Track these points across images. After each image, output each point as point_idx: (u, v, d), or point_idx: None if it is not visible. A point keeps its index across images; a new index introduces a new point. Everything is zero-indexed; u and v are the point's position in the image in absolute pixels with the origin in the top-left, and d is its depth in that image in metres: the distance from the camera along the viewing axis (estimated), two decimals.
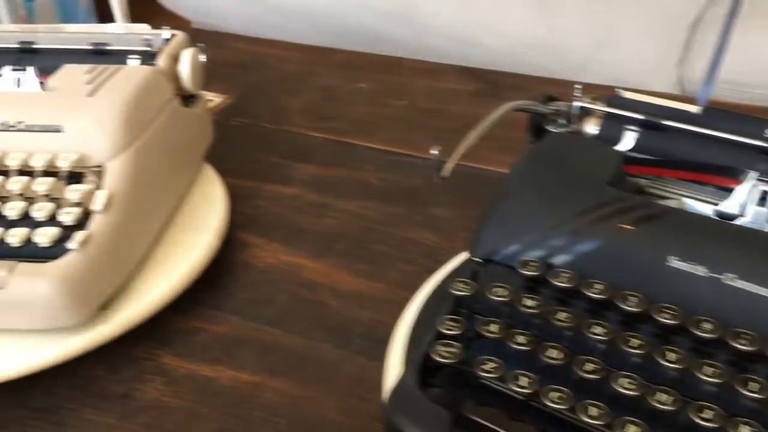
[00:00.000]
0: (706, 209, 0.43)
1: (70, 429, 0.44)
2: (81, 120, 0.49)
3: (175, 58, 0.58)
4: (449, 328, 0.38)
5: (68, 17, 1.96)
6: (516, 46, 1.00)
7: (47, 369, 0.46)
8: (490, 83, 0.80)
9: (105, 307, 0.47)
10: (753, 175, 0.41)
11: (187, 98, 0.60)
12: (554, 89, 0.77)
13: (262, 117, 0.75)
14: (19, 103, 0.50)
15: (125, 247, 0.49)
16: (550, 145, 0.46)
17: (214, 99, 0.77)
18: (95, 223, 0.47)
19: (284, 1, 1.11)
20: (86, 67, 0.55)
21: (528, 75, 0.81)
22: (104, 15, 2.15)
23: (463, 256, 0.54)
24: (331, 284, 0.54)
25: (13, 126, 0.49)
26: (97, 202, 0.47)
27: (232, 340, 0.50)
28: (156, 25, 0.62)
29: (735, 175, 0.42)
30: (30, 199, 0.48)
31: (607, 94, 0.51)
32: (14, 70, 0.58)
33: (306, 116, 0.75)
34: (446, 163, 0.45)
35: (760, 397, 0.32)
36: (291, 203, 0.63)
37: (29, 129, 0.49)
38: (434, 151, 0.45)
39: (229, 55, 0.87)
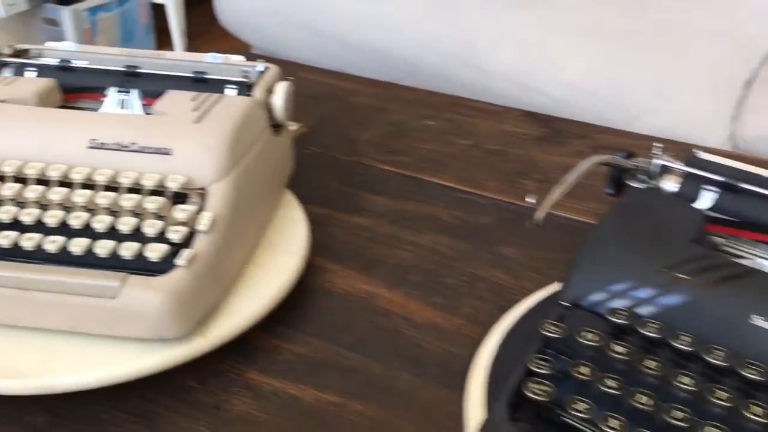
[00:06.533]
0: None
1: None
2: (190, 145, 0.53)
3: (269, 90, 0.61)
4: (539, 367, 0.41)
5: (128, 34, 2.03)
6: (574, 94, 1.03)
7: (145, 377, 0.49)
8: (553, 129, 0.83)
9: (201, 321, 0.51)
10: None
11: (276, 127, 0.63)
12: (617, 140, 0.80)
13: (335, 147, 0.79)
14: (132, 125, 0.54)
15: (224, 266, 0.52)
16: (634, 199, 0.49)
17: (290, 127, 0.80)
18: (200, 243, 0.50)
19: (353, 37, 1.15)
20: (190, 94, 0.59)
21: (590, 123, 0.84)
22: (162, 31, 2.23)
23: (534, 297, 0.56)
24: (406, 314, 0.57)
25: (126, 146, 0.53)
26: (203, 223, 0.51)
27: (314, 361, 0.53)
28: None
29: None
30: (119, 214, 0.51)
31: (685, 153, 0.53)
32: (119, 91, 0.62)
33: (376, 149, 0.78)
34: (537, 211, 0.48)
35: None
36: (364, 233, 0.66)
37: (141, 150, 0.53)
38: (531, 200, 0.48)
39: (301, 86, 0.90)
